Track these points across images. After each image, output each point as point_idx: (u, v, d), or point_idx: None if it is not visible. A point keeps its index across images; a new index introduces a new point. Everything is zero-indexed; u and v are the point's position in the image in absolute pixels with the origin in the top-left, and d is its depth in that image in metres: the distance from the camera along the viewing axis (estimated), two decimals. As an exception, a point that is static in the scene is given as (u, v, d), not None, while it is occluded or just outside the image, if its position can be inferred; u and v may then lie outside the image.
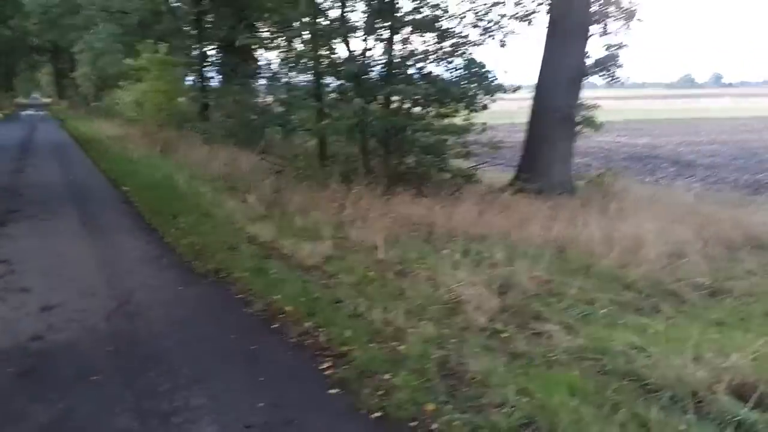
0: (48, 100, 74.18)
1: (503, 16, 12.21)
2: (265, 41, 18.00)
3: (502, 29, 12.17)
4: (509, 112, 15.80)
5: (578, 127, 11.65)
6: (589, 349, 4.42)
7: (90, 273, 6.56)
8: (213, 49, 22.82)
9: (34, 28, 46.36)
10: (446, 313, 5.26)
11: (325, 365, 4.37)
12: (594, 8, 11.56)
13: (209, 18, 22.19)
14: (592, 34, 11.73)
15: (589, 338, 4.63)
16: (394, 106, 11.31)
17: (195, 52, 22.41)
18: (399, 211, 9.01)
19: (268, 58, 18.98)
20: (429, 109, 11.09)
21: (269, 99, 15.12)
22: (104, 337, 4.86)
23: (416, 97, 10.76)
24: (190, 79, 23.84)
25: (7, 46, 56.11)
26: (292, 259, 7.07)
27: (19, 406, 3.77)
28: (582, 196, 10.57)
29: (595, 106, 12.02)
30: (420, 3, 11.11)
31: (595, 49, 19.88)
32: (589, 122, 11.69)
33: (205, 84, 22.35)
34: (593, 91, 17.64)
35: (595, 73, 12.04)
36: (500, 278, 5.97)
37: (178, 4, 24.11)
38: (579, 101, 11.65)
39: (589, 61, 11.85)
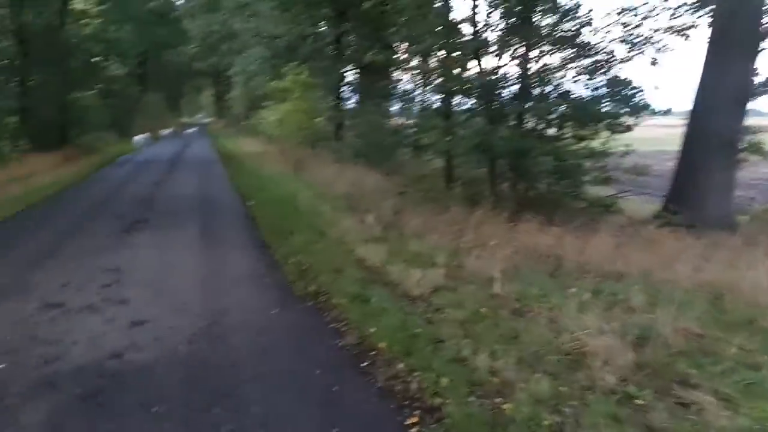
0: (209, 120, 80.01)
1: (656, 30, 10.84)
2: (400, 61, 17.77)
3: (653, 44, 10.80)
4: (657, 139, 14.25)
5: (741, 155, 10.08)
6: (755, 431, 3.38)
7: (190, 288, 6.35)
8: (350, 70, 23.12)
9: (196, 52, 50.15)
10: (567, 366, 4.37)
11: (412, 420, 3.68)
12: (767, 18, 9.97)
13: (349, 39, 22.50)
14: (763, 49, 10.13)
15: (755, 417, 3.56)
16: (527, 126, 10.45)
17: (334, 74, 22.77)
18: (524, 240, 8.13)
19: (403, 79, 18.67)
20: (564, 130, 10.07)
21: (401, 120, 14.85)
22: (180, 361, 4.49)
23: (551, 117, 9.81)
24: (327, 100, 24.30)
25: (175, 70, 61.30)
26: (397, 287, 6.44)
27: (69, 433, 3.44)
28: (745, 234, 9.02)
29: (762, 131, 10.37)
30: (560, 17, 10.17)
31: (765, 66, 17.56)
32: (756, 149, 10.08)
33: (340, 104, 22.62)
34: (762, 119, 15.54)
35: (766, 92, 10.39)
36: (637, 327, 4.94)
37: (323, 28, 24.76)
38: (743, 125, 10.09)
39: (757, 80, 10.25)
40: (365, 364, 4.54)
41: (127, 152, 27.62)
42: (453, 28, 11.08)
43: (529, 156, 9.62)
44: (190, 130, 55.06)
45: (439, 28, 11.07)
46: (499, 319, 5.38)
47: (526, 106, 9.81)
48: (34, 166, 18.36)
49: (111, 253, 7.85)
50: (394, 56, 17.99)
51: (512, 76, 10.53)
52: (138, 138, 31.90)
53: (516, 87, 10.28)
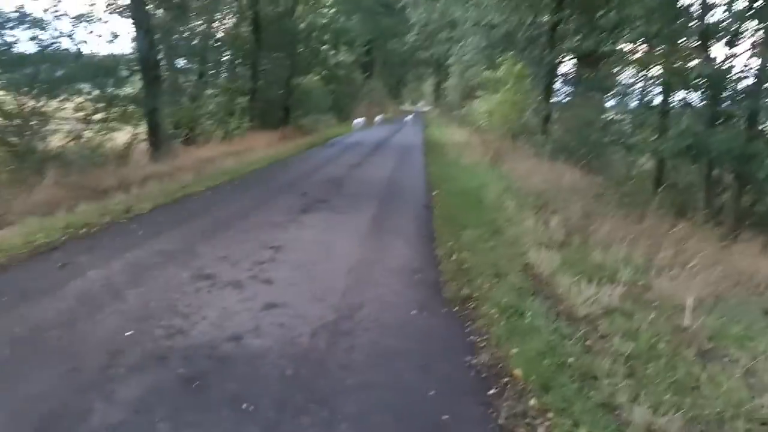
0: (427, 109, 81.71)
1: None
2: (618, 52, 16.11)
3: None
4: None
5: None
6: None
7: (338, 275, 6.08)
8: (564, 60, 21.68)
9: (418, 41, 51.14)
10: (756, 443, 3.27)
11: (521, 478, 2.93)
12: None
13: (565, 28, 21.05)
14: None
15: None
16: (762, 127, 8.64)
17: (546, 64, 21.50)
18: (737, 263, 6.70)
19: (621, 70, 16.92)
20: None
21: (613, 115, 13.43)
22: (293, 355, 4.18)
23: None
24: (537, 92, 23.10)
25: (400, 59, 63.35)
26: (561, 303, 5.57)
27: (148, 419, 3.26)
28: None
29: None
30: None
31: None
32: None
33: (550, 96, 21.31)
34: None
35: None
36: None
37: (542, 17, 23.54)
38: None
39: None
40: (492, 391, 3.84)
41: (340, 135, 28.90)
42: (676, 8, 9.50)
43: (759, 162, 7.89)
44: (408, 118, 56.39)
45: (659, 8, 9.55)
46: (678, 361, 4.34)
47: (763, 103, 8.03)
48: (253, 143, 19.92)
49: (279, 230, 7.93)
50: (612, 45, 16.35)
51: (748, 68, 8.74)
52: (357, 121, 33.32)
53: (750, 81, 8.49)
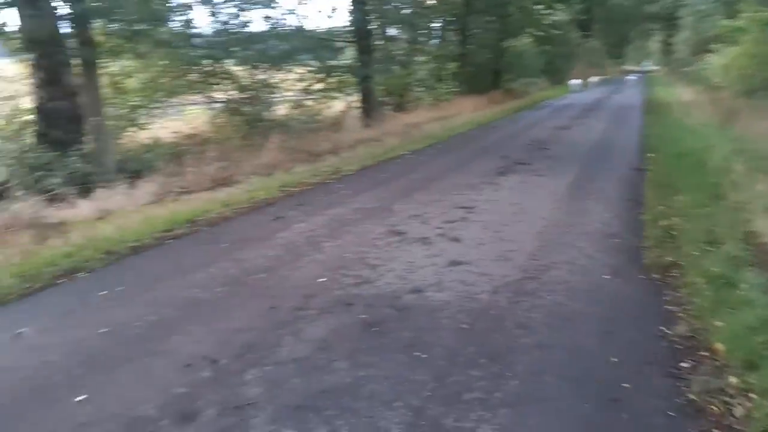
0: (653, 68, 75.16)
1: None
2: None
3: None
4: None
5: None
6: None
7: (527, 237, 5.94)
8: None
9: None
10: None
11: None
12: None
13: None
14: None
15: None
16: None
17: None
18: None
19: None
20: None
21: None
22: (471, 310, 4.19)
23: None
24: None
25: (622, 14, 58.75)
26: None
27: (328, 356, 3.52)
28: None
29: None
30: None
31: None
32: None
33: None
34: None
35: None
36: None
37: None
38: None
39: None
40: (684, 365, 3.49)
41: (552, 97, 27.88)
42: None
43: None
44: (630, 77, 52.39)
45: None
46: None
47: None
48: (460, 107, 20.05)
49: (474, 192, 7.94)
50: None
51: None
52: (571, 83, 31.86)
53: None
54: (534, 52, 32.24)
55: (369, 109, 16.60)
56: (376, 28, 17.56)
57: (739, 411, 3.06)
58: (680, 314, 4.18)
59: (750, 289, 4.50)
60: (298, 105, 15.54)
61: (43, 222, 6.31)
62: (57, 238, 5.79)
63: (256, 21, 15.63)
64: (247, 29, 14.31)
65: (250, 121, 13.23)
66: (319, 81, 16.70)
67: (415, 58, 22.83)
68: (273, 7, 14.84)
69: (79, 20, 9.00)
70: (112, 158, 9.53)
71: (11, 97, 9.57)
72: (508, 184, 8.38)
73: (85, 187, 8.08)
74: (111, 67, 11.36)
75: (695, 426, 2.94)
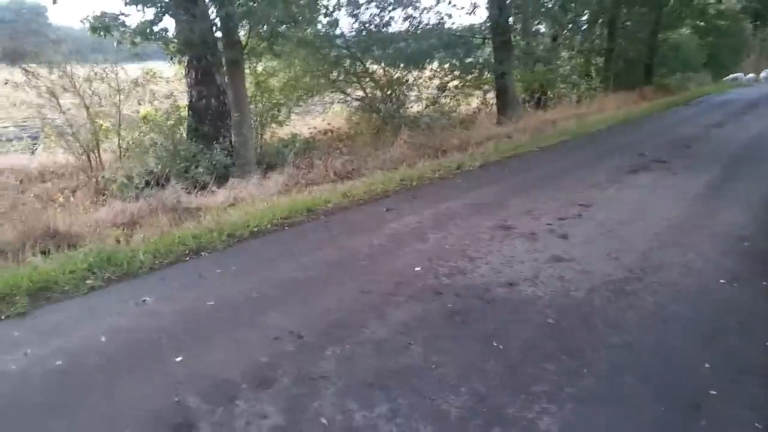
0: None
1: None
2: None
3: None
4: None
5: None
6: None
7: (642, 236, 5.65)
8: None
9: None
10: None
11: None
12: None
13: None
14: None
15: None
16: None
17: None
18: None
19: None
20: None
21: None
22: (562, 306, 4.10)
23: None
24: None
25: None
26: None
27: (406, 340, 3.64)
28: None
29: None
30: None
31: None
32: None
33: None
34: None
35: None
36: None
37: None
38: None
39: None
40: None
41: (713, 92, 25.77)
42: None
43: None
44: None
45: None
46: None
47: None
48: (605, 104, 19.21)
49: (597, 189, 7.66)
50: None
51: None
52: (734, 77, 29.26)
53: None
54: (694, 44, 29.88)
55: (504, 105, 16.36)
56: (513, 24, 17.21)
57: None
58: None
59: None
60: (434, 102, 15.71)
61: (182, 207, 7.00)
62: (191, 221, 6.42)
63: (396, 19, 15.74)
64: (387, 29, 14.78)
65: (384, 117, 13.59)
66: (456, 78, 16.78)
67: (561, 54, 22.16)
68: (415, 6, 15.21)
69: (227, 24, 9.78)
70: (252, 152, 10.28)
71: (168, 96, 10.64)
72: (636, 183, 7.97)
73: (224, 177, 8.81)
74: (256, 67, 12.24)
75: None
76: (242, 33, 10.48)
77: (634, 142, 12.02)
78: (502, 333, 3.72)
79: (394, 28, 15.03)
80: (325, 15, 13.83)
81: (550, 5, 20.10)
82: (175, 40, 10.01)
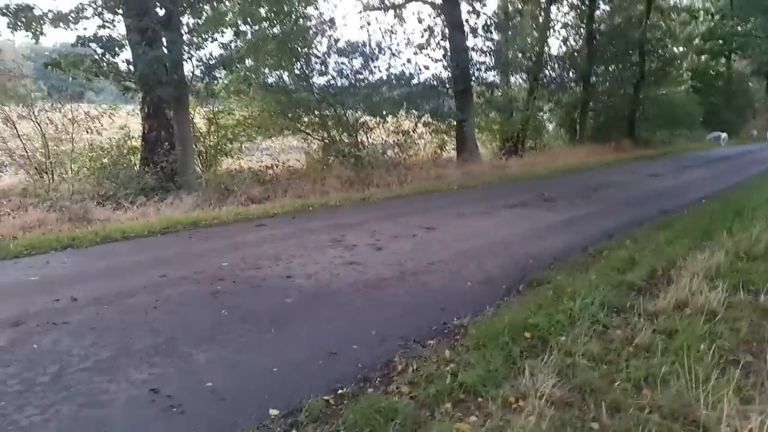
0: None
1: None
2: None
3: None
4: None
5: None
6: None
7: (451, 252, 6.54)
8: None
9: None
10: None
11: None
12: None
13: None
14: None
15: None
16: None
17: None
18: None
19: None
20: None
21: None
22: (311, 293, 5.07)
23: None
24: None
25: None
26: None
27: (150, 318, 4.60)
28: None
29: None
30: None
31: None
32: None
33: None
34: None
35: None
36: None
37: None
38: None
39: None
40: (431, 341, 4.05)
41: (698, 149, 26.30)
42: None
43: None
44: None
45: None
46: None
47: None
48: (573, 153, 20.17)
49: (459, 218, 8.68)
50: None
51: None
52: (714, 135, 29.92)
53: None
54: (688, 101, 30.52)
55: (463, 149, 17.36)
56: (475, 76, 18.29)
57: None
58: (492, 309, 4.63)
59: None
60: (394, 145, 16.59)
61: (89, 218, 8.13)
62: (83, 228, 7.55)
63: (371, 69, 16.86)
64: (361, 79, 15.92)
65: (338, 155, 14.48)
66: (424, 125, 17.69)
67: (541, 105, 23.17)
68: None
69: (174, 65, 11.04)
70: (191, 178, 11.40)
71: (122, 127, 11.97)
72: (503, 215, 8.86)
73: (152, 197, 9.93)
74: (213, 106, 13.56)
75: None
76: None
77: (552, 185, 12.80)
78: (238, 306, 4.67)
79: (364, 77, 16.12)
80: (299, 59, 14.91)
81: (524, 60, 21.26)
82: (126, 78, 11.34)
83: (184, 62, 11.18)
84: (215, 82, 12.25)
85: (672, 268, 5.78)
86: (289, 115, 14.90)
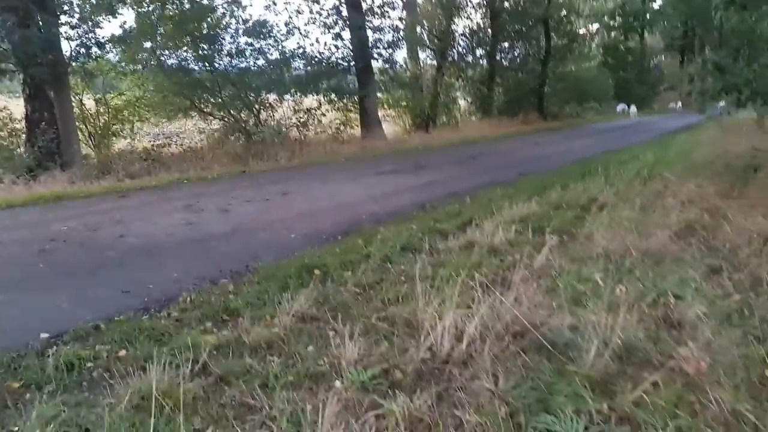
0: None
1: None
2: None
3: None
4: None
5: None
6: None
7: (293, 212, 7.01)
8: None
9: None
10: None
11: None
12: None
13: None
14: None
15: None
16: None
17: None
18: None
19: None
20: None
21: None
22: (144, 246, 5.38)
23: None
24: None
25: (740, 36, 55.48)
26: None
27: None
28: None
29: None
30: None
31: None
32: None
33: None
34: None
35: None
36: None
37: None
38: None
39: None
40: (224, 280, 4.47)
41: (604, 121, 27.59)
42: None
43: None
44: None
45: None
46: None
47: None
48: (478, 127, 21.03)
49: (321, 183, 9.13)
50: None
51: None
52: (624, 107, 31.39)
53: None
54: (595, 76, 31.75)
55: (366, 125, 17.82)
56: (377, 53, 18.70)
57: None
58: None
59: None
60: (296, 123, 16.85)
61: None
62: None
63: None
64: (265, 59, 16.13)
65: (235, 135, 14.75)
66: (325, 102, 18.02)
67: (451, 82, 23.82)
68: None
69: (48, 45, 11.03)
70: (75, 157, 11.48)
71: (2, 109, 11.92)
72: (367, 181, 9.37)
73: (28, 176, 10.01)
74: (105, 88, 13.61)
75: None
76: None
77: (437, 155, 13.43)
78: (59, 260, 4.99)
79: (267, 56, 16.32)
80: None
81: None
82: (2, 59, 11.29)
83: (67, 42, 11.22)
84: (96, 62, 12.27)
85: (488, 218, 6.36)
86: (189, 95, 14.98)
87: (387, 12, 18.85)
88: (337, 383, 2.92)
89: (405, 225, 6.09)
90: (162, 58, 14.40)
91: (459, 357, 3.23)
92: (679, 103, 37.02)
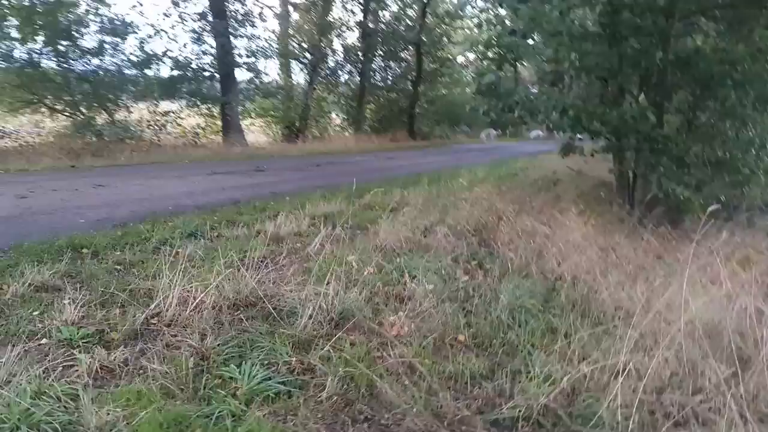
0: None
1: None
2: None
3: None
4: None
5: None
6: None
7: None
8: None
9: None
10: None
11: None
12: None
13: None
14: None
15: None
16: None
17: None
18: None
19: None
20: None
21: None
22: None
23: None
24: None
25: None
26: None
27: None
28: None
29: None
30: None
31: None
32: None
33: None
34: None
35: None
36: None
37: None
38: None
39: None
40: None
41: (467, 143, 29.08)
42: None
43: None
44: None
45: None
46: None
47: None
48: (346, 142, 21.50)
49: (147, 180, 9.09)
50: None
51: None
52: (485, 133, 33.19)
53: None
54: (467, 100, 33.26)
55: (228, 131, 17.73)
56: (242, 62, 18.80)
57: None
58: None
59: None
60: (152, 124, 16.50)
61: None
62: None
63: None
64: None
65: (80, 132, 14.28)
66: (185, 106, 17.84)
67: (320, 94, 24.25)
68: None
69: None
70: None
71: None
72: (195, 179, 9.47)
73: None
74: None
75: None
76: None
77: (284, 161, 13.73)
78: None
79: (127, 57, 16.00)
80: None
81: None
82: None
83: None
84: None
85: (292, 213, 6.62)
86: (36, 91, 14.45)
87: (253, 22, 18.95)
88: (44, 340, 3.06)
89: (205, 216, 6.24)
90: (2, 50, 13.76)
91: (182, 321, 3.43)
92: (539, 132, 39.48)
